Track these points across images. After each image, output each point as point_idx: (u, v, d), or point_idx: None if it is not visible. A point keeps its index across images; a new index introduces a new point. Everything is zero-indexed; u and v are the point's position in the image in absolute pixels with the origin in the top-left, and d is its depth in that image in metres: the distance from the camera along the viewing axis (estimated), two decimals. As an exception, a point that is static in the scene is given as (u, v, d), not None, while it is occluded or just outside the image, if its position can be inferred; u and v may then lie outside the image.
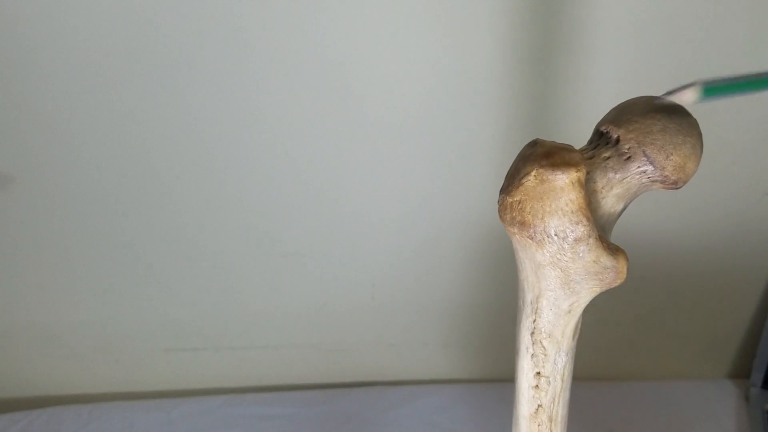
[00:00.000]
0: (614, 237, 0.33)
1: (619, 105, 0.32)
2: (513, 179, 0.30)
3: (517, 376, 0.35)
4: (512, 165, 0.31)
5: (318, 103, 0.64)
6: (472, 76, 0.63)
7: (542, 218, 0.29)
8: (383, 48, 0.62)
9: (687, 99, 0.28)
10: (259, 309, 0.80)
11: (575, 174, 0.28)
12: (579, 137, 0.34)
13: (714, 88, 0.27)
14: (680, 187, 0.31)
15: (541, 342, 0.33)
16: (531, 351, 0.34)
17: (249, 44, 0.61)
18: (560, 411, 0.36)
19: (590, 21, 0.60)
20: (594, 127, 0.32)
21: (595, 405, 0.80)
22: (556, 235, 0.29)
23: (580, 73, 0.63)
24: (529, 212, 0.29)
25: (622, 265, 0.31)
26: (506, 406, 0.40)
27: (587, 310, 0.76)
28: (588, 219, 0.29)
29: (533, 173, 0.29)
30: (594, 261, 0.30)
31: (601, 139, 0.31)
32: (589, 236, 0.29)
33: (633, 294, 0.79)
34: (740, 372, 0.85)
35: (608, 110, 0.33)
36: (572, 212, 0.29)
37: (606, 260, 0.30)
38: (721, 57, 0.62)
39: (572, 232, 0.29)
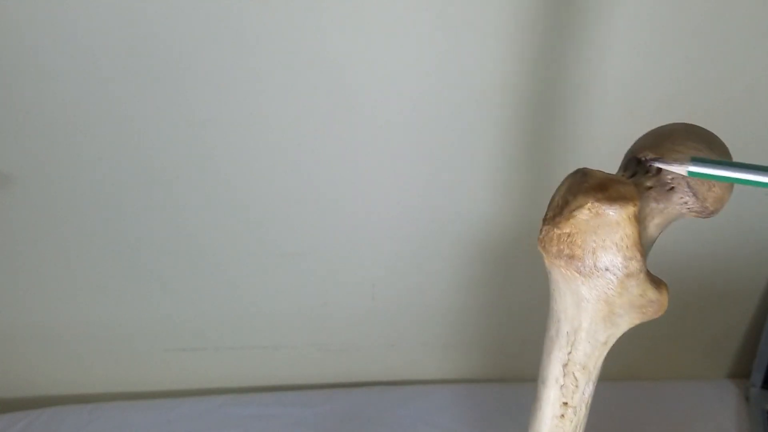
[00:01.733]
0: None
1: (654, 131, 0.31)
2: (562, 210, 0.29)
3: (540, 405, 0.34)
4: (557, 194, 0.30)
5: (318, 103, 0.64)
6: (474, 78, 0.63)
7: (594, 252, 0.28)
8: (384, 49, 0.62)
9: (679, 171, 0.28)
10: (259, 309, 0.80)
11: (632, 209, 0.27)
12: (578, 141, 0.34)
13: (699, 173, 0.27)
14: (711, 217, 0.31)
15: (573, 374, 0.33)
16: (561, 382, 0.33)
17: (249, 44, 0.61)
18: None
19: (595, 25, 0.60)
20: (627, 151, 0.31)
21: (595, 405, 0.80)
22: (607, 269, 0.28)
23: (583, 77, 0.63)
24: (580, 246, 0.28)
25: (664, 298, 0.31)
26: (506, 406, 0.40)
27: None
28: (642, 254, 0.28)
29: (587, 206, 0.28)
30: (640, 295, 0.30)
31: (638, 166, 0.30)
32: (641, 271, 0.29)
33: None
34: (740, 372, 0.85)
35: (610, 115, 0.32)
36: (627, 248, 0.28)
37: (651, 294, 0.30)
38: (722, 63, 0.62)
39: (625, 267, 0.28)
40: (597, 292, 0.29)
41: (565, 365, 0.32)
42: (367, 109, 0.65)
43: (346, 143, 0.67)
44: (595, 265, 0.28)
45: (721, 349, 0.84)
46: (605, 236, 0.28)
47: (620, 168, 0.31)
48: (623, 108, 0.56)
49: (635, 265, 0.28)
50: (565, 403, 0.34)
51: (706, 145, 0.29)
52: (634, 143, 0.31)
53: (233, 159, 0.68)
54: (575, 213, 0.28)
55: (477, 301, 0.79)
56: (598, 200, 0.27)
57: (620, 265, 0.28)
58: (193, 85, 0.63)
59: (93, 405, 0.81)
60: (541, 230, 0.30)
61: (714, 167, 0.27)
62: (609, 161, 0.34)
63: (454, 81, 0.63)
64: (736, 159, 0.71)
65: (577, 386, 0.33)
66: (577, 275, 0.29)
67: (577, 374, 0.33)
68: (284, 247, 0.75)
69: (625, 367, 0.86)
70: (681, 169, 0.27)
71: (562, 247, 0.29)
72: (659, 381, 0.83)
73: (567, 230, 0.28)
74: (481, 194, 0.71)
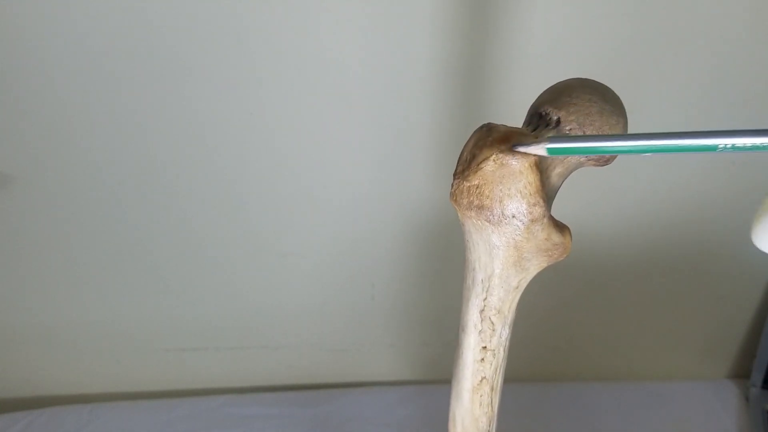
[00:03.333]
0: (618, 233, 0.33)
1: (552, 87, 0.33)
2: (469, 164, 0.31)
3: (462, 352, 0.37)
4: (465, 150, 0.32)
5: (316, 103, 0.64)
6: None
7: (501, 201, 0.30)
8: (384, 48, 0.62)
9: (538, 152, 0.29)
10: (259, 309, 0.80)
11: (533, 158, 0.29)
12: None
13: (557, 149, 0.29)
14: (608, 164, 0.33)
15: (489, 318, 0.35)
16: (479, 327, 0.35)
17: (248, 45, 0.61)
18: (499, 380, 0.37)
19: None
20: (528, 108, 0.33)
21: (596, 405, 0.80)
22: (514, 216, 0.30)
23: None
24: (488, 196, 0.30)
25: (568, 241, 0.32)
26: (504, 405, 0.41)
27: (587, 313, 0.76)
28: (544, 200, 0.30)
29: (492, 158, 0.29)
30: (546, 239, 0.31)
31: (540, 120, 0.32)
32: (544, 216, 0.30)
33: (633, 294, 0.79)
34: (740, 372, 0.85)
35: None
36: (530, 194, 0.30)
37: (556, 237, 0.32)
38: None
39: (530, 213, 0.30)
40: (506, 238, 0.31)
41: (481, 311, 0.35)
42: (366, 110, 0.65)
43: (346, 144, 0.67)
44: (502, 213, 0.30)
45: (721, 349, 0.84)
46: (510, 185, 0.30)
47: (524, 123, 0.33)
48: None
49: (539, 210, 0.30)
50: (484, 347, 0.36)
51: (600, 97, 0.31)
52: (536, 99, 0.33)
53: (233, 159, 0.68)
54: (482, 165, 0.30)
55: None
56: (501, 152, 0.29)
57: (525, 212, 0.30)
58: (193, 85, 0.63)
59: (93, 405, 0.81)
60: (452, 185, 0.31)
61: (569, 142, 0.29)
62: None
63: (459, 77, 0.64)
64: (735, 158, 0.71)
65: (494, 330, 0.35)
66: (487, 224, 0.31)
67: (493, 319, 0.35)
68: (284, 246, 0.75)
69: (625, 367, 0.86)
70: (540, 149, 0.29)
71: (471, 198, 0.31)
72: (659, 381, 0.83)
73: (475, 182, 0.30)
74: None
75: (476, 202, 0.30)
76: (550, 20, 0.60)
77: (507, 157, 0.29)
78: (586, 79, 0.33)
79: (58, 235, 0.73)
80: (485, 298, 0.34)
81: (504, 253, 0.32)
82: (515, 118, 0.34)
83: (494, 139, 0.30)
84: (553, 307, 0.79)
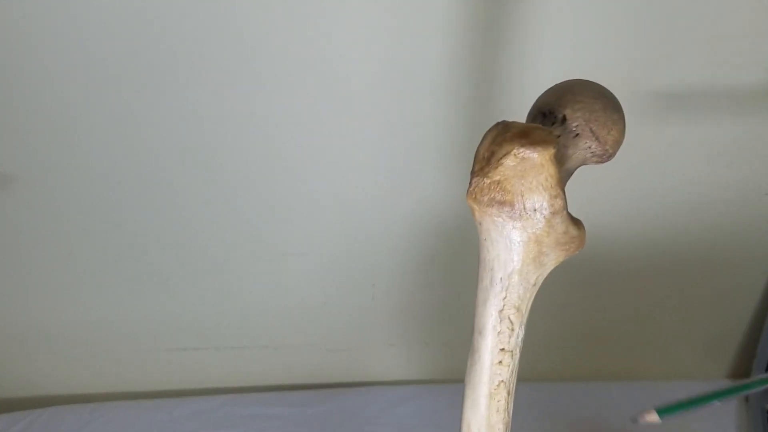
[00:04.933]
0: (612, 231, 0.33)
1: (553, 88, 0.34)
2: (489, 161, 0.31)
3: (479, 356, 0.36)
4: (481, 148, 0.32)
5: (317, 103, 0.64)
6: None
7: (522, 195, 0.30)
8: (386, 47, 0.62)
9: (652, 420, 0.31)
10: (260, 309, 0.80)
11: (553, 150, 0.30)
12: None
13: (666, 410, 0.31)
14: (609, 161, 0.33)
15: (509, 318, 0.35)
16: (498, 329, 0.35)
17: (249, 45, 0.61)
18: (514, 382, 0.38)
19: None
20: (529, 110, 0.34)
21: (596, 405, 0.80)
22: (535, 210, 0.31)
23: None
24: (509, 191, 0.31)
25: (583, 234, 0.33)
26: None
27: (588, 313, 0.76)
28: (563, 192, 0.31)
29: (513, 152, 0.30)
30: (564, 232, 0.32)
31: (544, 119, 0.33)
32: (563, 209, 0.31)
33: (633, 294, 0.79)
34: (740, 372, 0.85)
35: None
36: (551, 187, 0.30)
37: (573, 230, 0.32)
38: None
39: (551, 206, 0.30)
40: (527, 233, 0.31)
41: (500, 311, 0.35)
42: (367, 110, 0.65)
43: (347, 144, 0.67)
44: (524, 207, 0.31)
45: (721, 349, 0.84)
46: (531, 178, 0.30)
47: (527, 123, 0.34)
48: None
49: (559, 203, 0.31)
50: (503, 349, 0.36)
51: (600, 94, 0.32)
52: (538, 99, 0.34)
53: (233, 159, 0.68)
54: (502, 160, 0.30)
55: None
56: (522, 145, 0.30)
57: (546, 204, 0.30)
58: (194, 85, 0.63)
59: (93, 405, 0.81)
60: (470, 183, 0.32)
61: (678, 407, 0.31)
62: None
63: (464, 74, 0.64)
64: (735, 158, 0.70)
65: (512, 330, 0.35)
66: (509, 220, 0.31)
67: (512, 318, 0.35)
68: (285, 247, 0.75)
69: (625, 367, 0.86)
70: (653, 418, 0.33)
71: (493, 195, 0.31)
72: (659, 381, 0.83)
73: (496, 178, 0.31)
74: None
75: (498, 198, 0.31)
76: (558, 20, 0.60)
77: (527, 151, 0.30)
78: (584, 79, 0.33)
79: (58, 235, 0.73)
80: (505, 297, 0.34)
81: (524, 249, 0.32)
82: (523, 118, 0.34)
83: (513, 134, 0.30)
84: (551, 307, 0.79)
